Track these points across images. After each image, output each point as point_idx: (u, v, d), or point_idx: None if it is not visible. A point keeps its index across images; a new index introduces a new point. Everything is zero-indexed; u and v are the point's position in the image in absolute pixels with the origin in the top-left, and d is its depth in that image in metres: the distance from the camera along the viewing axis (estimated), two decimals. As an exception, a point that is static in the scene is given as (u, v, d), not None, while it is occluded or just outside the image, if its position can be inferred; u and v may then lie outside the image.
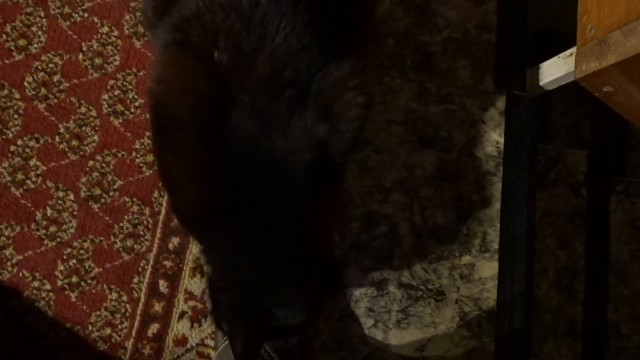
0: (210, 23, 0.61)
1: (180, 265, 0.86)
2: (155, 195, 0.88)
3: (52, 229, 0.86)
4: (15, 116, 0.86)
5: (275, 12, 0.60)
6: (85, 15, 0.89)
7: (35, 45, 0.88)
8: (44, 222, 0.86)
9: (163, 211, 0.87)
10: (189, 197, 0.66)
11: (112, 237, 0.86)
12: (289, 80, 0.61)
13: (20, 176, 0.85)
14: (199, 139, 0.63)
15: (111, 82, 0.89)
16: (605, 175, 1.17)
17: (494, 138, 1.03)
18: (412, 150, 1.01)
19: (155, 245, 0.86)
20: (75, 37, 0.90)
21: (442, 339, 0.94)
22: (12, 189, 0.85)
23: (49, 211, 0.86)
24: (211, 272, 0.70)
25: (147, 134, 0.89)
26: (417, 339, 0.93)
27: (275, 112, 0.62)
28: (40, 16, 0.88)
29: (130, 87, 0.89)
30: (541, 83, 1.03)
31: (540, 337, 1.02)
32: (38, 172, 0.86)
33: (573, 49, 0.92)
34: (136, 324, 0.84)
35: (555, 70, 1.00)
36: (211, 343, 0.86)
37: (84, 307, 0.84)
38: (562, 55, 0.97)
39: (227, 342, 0.80)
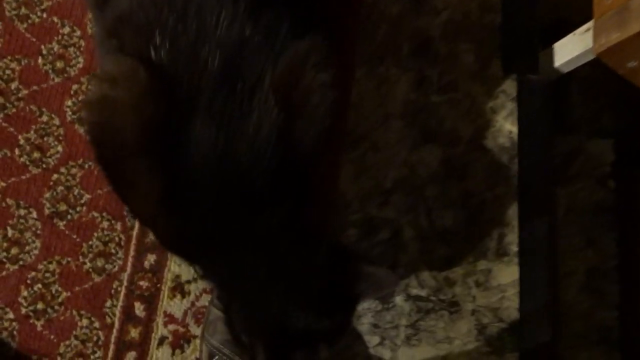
0: (143, 20, 0.59)
1: (158, 285, 0.84)
2: (127, 209, 0.84)
3: (14, 251, 0.85)
4: (-29, 129, 0.84)
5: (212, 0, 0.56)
6: (44, 15, 0.88)
7: (-9, 51, 0.86)
8: (5, 244, 0.85)
9: (136, 226, 0.85)
10: (166, 228, 0.63)
11: (80, 257, 0.84)
12: (237, 73, 0.59)
13: (-23, 194, 0.83)
14: (155, 164, 0.60)
15: (75, 86, 0.89)
16: (636, 164, 1.11)
17: (506, 127, 0.99)
18: (413, 146, 0.97)
19: (129, 264, 0.84)
20: (34, 39, 0.90)
21: (458, 356, 0.90)
22: (-30, 209, 0.83)
23: (9, 231, 0.85)
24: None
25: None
26: (429, 357, 0.91)
27: (233, 112, 0.58)
28: (-5, 19, 0.86)
29: None
30: (556, 65, 0.98)
31: (571, 347, 0.97)
32: None
33: (589, 24, 0.89)
34: (110, 353, 0.83)
35: (570, 49, 0.96)
36: (195, 371, 0.81)
37: (52, 337, 0.81)
38: (577, 32, 0.94)
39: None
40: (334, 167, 0.91)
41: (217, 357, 0.77)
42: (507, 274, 0.94)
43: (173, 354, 0.83)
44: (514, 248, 0.95)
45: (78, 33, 0.89)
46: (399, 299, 0.91)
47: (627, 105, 1.10)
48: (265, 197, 0.62)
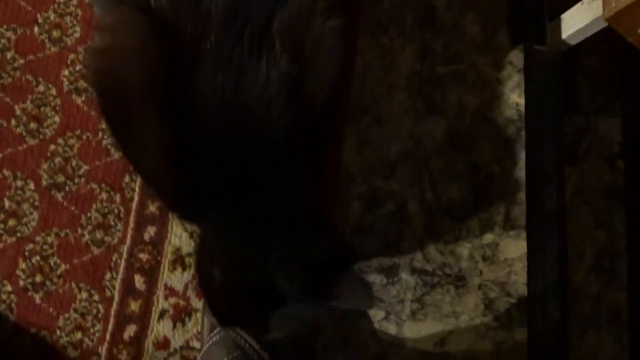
0: None
1: (158, 258, 0.83)
2: (127, 180, 0.85)
3: (11, 222, 0.84)
4: (-34, 99, 0.84)
5: None
6: (40, -16, 0.86)
7: (-14, 21, 0.85)
8: (2, 216, 0.84)
9: (136, 198, 0.84)
10: (170, 183, 0.62)
11: (79, 229, 0.84)
12: (244, 17, 0.58)
13: (-27, 165, 0.82)
14: (162, 114, 0.58)
15: (72, 56, 0.89)
16: None
17: (513, 99, 0.99)
18: (418, 118, 0.96)
19: (129, 236, 0.84)
20: (29, 8, 0.89)
21: (465, 330, 0.89)
22: (-34, 181, 0.83)
23: (6, 203, 0.85)
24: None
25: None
26: (436, 332, 0.89)
27: (240, 60, 0.57)
28: (-11, -12, 0.85)
29: None
30: (564, 36, 0.97)
31: (580, 328, 0.96)
32: None
33: (598, -9, 0.86)
34: (110, 326, 0.82)
35: (579, 19, 0.95)
36: (197, 345, 0.82)
37: (51, 310, 0.81)
38: (585, 0, 0.91)
39: (210, 342, 0.75)
40: (340, 132, 0.89)
41: (218, 329, 0.76)
42: (515, 248, 0.93)
43: (174, 327, 0.83)
44: (522, 222, 0.94)
45: (75, 1, 0.88)
46: (404, 274, 0.91)
47: (635, 82, 1.09)
48: (276, 151, 0.60)
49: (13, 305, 0.81)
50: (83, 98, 0.86)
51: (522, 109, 0.98)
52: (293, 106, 0.58)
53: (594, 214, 1.01)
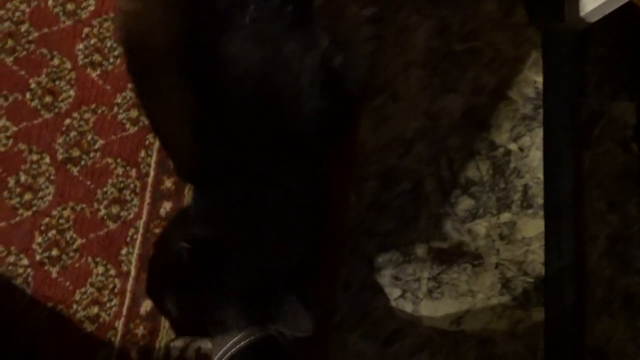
0: None
1: (174, 233, 0.82)
2: (142, 155, 0.85)
3: (27, 196, 0.85)
4: (-19, 72, 0.84)
5: None
6: (54, -44, 0.86)
7: (-1, -7, 0.86)
8: (18, 190, 0.85)
9: (152, 173, 0.85)
10: (183, 148, 0.62)
11: (95, 204, 0.84)
12: None
13: (-12, 139, 0.83)
14: (188, 78, 0.58)
15: (86, 29, 0.89)
16: None
17: (531, 77, 0.99)
18: (435, 96, 0.96)
19: (145, 211, 0.84)
20: None
21: (481, 309, 0.90)
22: (-20, 155, 0.84)
23: (22, 177, 0.85)
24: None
25: (130, 86, 0.86)
26: (452, 311, 0.90)
27: (277, 33, 0.56)
28: (3, -40, 0.86)
29: (108, 34, 0.89)
30: (582, 14, 0.96)
31: (593, 312, 0.97)
32: (8, 133, 0.86)
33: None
34: (127, 301, 0.82)
35: (597, -4, 0.93)
36: (213, 321, 0.81)
37: (67, 284, 0.81)
38: (605, -23, 0.91)
39: None
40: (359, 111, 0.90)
41: None
42: (532, 227, 0.93)
43: (190, 303, 0.83)
44: (539, 200, 0.94)
45: (89, -25, 0.89)
46: (420, 251, 0.91)
47: None
48: (303, 133, 0.60)
49: (29, 279, 0.82)
50: (98, 72, 0.87)
51: (540, 86, 0.98)
52: (328, 91, 0.58)
53: (607, 198, 1.01)
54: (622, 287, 1.00)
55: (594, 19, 0.97)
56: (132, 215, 0.84)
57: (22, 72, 0.86)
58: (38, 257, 0.82)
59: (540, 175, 0.96)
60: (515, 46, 1.00)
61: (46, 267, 0.82)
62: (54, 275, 0.82)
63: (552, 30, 1.00)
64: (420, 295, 0.90)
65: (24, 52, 0.86)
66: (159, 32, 0.58)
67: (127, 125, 0.86)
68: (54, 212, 0.84)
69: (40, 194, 0.84)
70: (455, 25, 0.99)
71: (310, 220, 0.68)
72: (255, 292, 0.66)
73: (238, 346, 0.74)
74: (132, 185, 0.85)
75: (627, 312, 0.99)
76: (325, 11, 0.59)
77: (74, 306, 0.81)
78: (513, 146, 0.97)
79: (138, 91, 0.62)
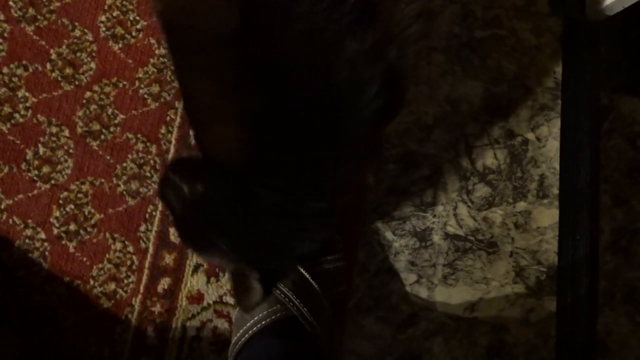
0: None
1: (193, 211, 0.81)
2: (163, 131, 0.83)
3: (46, 169, 0.83)
4: (0, 40, 0.81)
5: None
6: None
7: (20, -40, 0.83)
8: (36, 162, 0.83)
9: (172, 149, 0.83)
10: (230, 135, 0.59)
11: (114, 179, 0.82)
12: None
13: (7, 109, 0.82)
14: (235, 67, 0.56)
15: (109, 1, 0.87)
16: None
17: (551, 67, 0.98)
18: (455, 82, 0.96)
19: (164, 188, 0.81)
20: None
21: (495, 296, 0.90)
22: (-2, 125, 0.82)
23: (41, 149, 0.84)
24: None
25: (152, 60, 0.85)
26: (466, 297, 0.91)
27: (337, 33, 0.54)
28: None
29: (131, 6, 0.86)
30: (603, 6, 0.95)
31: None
32: (27, 104, 0.84)
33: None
34: (144, 278, 0.81)
35: (619, -12, 0.93)
36: (231, 300, 0.82)
37: (84, 259, 0.80)
38: (627, -30, 0.91)
39: None
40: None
41: None
42: (547, 217, 0.94)
43: (208, 282, 0.83)
44: (555, 191, 0.94)
45: (112, -55, 0.86)
46: (437, 238, 0.91)
47: None
48: (354, 137, 0.59)
49: (47, 253, 0.81)
50: (120, 45, 0.85)
51: (559, 77, 0.98)
52: (384, 93, 0.56)
53: (614, 192, 1.01)
54: (624, 281, 1.00)
55: (614, 11, 0.97)
56: (151, 192, 0.83)
57: (43, 42, 0.84)
58: (55, 232, 0.81)
59: (557, 165, 0.96)
60: (536, 35, 1.00)
61: (63, 242, 0.81)
62: (71, 250, 0.81)
63: (572, 21, 1.00)
64: (435, 281, 0.91)
65: (45, 22, 0.84)
66: (212, 13, 0.55)
67: (149, 101, 0.85)
68: (73, 186, 0.82)
69: (59, 167, 0.83)
70: (479, 12, 0.98)
71: (334, 204, 0.67)
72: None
73: (259, 325, 0.73)
74: (152, 162, 0.84)
75: (628, 305, 1.00)
76: (379, 6, 0.57)
77: (91, 282, 0.81)
78: (531, 135, 0.97)
79: (176, 65, 0.59)
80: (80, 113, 0.84)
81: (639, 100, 1.06)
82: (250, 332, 0.73)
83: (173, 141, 0.84)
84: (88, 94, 0.84)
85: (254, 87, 0.55)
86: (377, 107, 0.57)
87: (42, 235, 0.81)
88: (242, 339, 0.72)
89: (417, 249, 0.91)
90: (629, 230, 1.02)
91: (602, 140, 1.04)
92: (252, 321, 0.73)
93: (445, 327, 0.90)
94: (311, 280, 0.76)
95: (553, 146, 0.96)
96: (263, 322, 0.72)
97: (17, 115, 0.83)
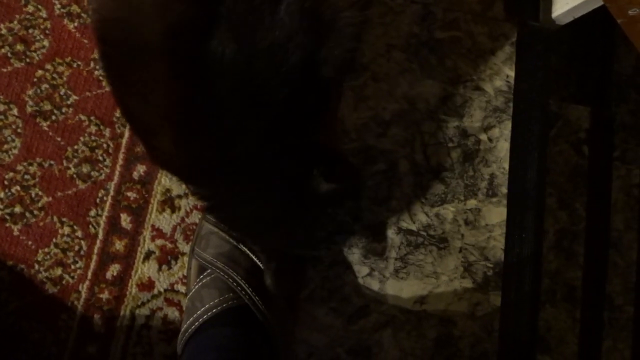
0: None
1: (147, 197, 0.80)
2: (117, 115, 0.81)
3: (-9, 148, 0.77)
4: (-55, 11, 0.77)
5: None
6: None
7: None
8: (-19, 140, 0.77)
9: (126, 133, 0.81)
10: (172, 142, 0.59)
11: (64, 162, 0.79)
12: None
13: (-49, 83, 0.76)
14: (177, 72, 0.55)
15: (65, -23, 0.81)
16: (609, 134, 1.15)
17: (504, 71, 1.00)
18: (414, 80, 0.96)
19: (117, 173, 0.80)
20: None
21: (444, 290, 0.91)
22: (-60, 100, 0.76)
23: (-14, 127, 0.77)
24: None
25: (108, 41, 0.81)
26: (417, 291, 0.91)
27: (255, 23, 0.54)
28: None
29: None
30: (554, 15, 0.98)
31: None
32: None
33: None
34: (92, 264, 0.78)
35: (569, -3, 0.96)
36: (182, 289, 0.80)
37: (29, 243, 0.76)
38: (577, -20, 0.93)
39: (199, 284, 0.73)
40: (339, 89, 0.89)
41: (209, 271, 0.74)
42: (495, 215, 0.95)
43: (159, 269, 0.80)
44: (504, 190, 0.96)
45: None
46: (390, 232, 0.91)
47: (607, 73, 1.13)
48: (285, 123, 0.59)
49: (-11, 236, 0.76)
50: (76, 24, 0.81)
51: (512, 81, 1.00)
52: (304, 78, 0.56)
53: (558, 195, 1.05)
54: (565, 280, 1.04)
55: (564, 21, 1.00)
56: (103, 176, 0.80)
57: (-8, 16, 0.80)
58: None
59: (506, 165, 0.98)
60: (492, 39, 1.01)
61: (7, 224, 0.77)
62: (16, 232, 0.77)
63: (526, 28, 1.02)
64: (387, 274, 0.91)
65: (-5, -5, 0.80)
66: (151, 21, 0.54)
67: (104, 83, 0.81)
68: (19, 167, 0.78)
69: (6, 147, 0.78)
70: (439, 13, 0.99)
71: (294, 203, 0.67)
72: None
73: (209, 313, 0.72)
74: (104, 145, 0.80)
75: (567, 303, 1.04)
76: None
77: (36, 266, 0.77)
78: (483, 136, 0.98)
79: (112, 81, 0.57)
80: (30, 92, 0.79)
81: (584, 109, 1.10)
82: (200, 319, 0.71)
83: (128, 125, 0.82)
84: (40, 72, 0.80)
85: (187, 94, 0.55)
86: (304, 92, 0.57)
87: (-15, 217, 0.77)
88: (192, 327, 0.70)
89: (371, 242, 0.91)
90: (571, 232, 1.06)
91: (549, 145, 1.07)
92: (202, 309, 0.72)
93: (395, 319, 0.90)
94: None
95: (503, 147, 0.98)
96: (214, 310, 0.71)
97: (-39, 91, 0.78)
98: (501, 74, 1.00)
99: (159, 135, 0.59)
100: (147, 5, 0.53)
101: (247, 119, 0.58)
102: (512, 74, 1.00)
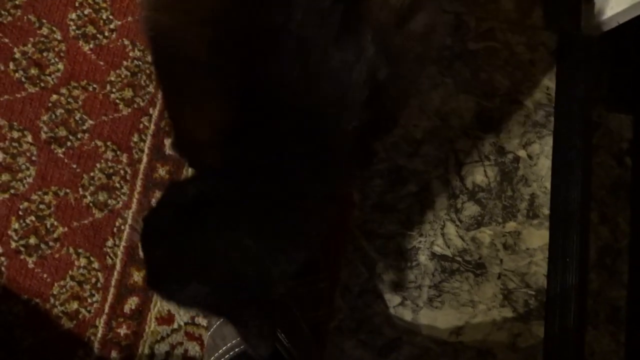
0: None
1: (166, 226, 0.74)
2: (135, 140, 0.76)
3: (5, 177, 0.76)
4: (-42, 36, 0.74)
5: None
6: None
7: (-16, -50, 0.76)
8: (-5, 169, 0.74)
9: (145, 159, 0.76)
10: (215, 158, 0.55)
11: (80, 190, 0.75)
12: None
13: (-36, 111, 0.73)
14: (229, 89, 0.52)
15: (80, -3, 0.77)
16: None
17: (544, 83, 0.94)
18: (447, 95, 0.90)
19: (135, 200, 0.76)
20: None
21: (482, 320, 0.85)
22: (-46, 128, 0.74)
23: (0, 156, 0.76)
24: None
25: (125, 63, 0.78)
26: (452, 321, 0.86)
27: (323, 46, 0.49)
28: None
29: (104, 4, 0.79)
30: (598, 20, 0.91)
31: None
32: None
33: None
34: (110, 297, 0.74)
35: (615, 3, 0.89)
36: (203, 322, 0.76)
37: (45, 276, 0.73)
38: (623, -16, 0.86)
39: (221, 320, 0.69)
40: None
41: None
42: (537, 238, 0.89)
43: (179, 301, 0.76)
44: (545, 211, 0.90)
45: (86, -63, 0.79)
46: (423, 258, 0.85)
47: None
48: (327, 168, 0.54)
49: (3, 268, 0.72)
50: (91, 45, 0.77)
51: (553, 93, 0.93)
52: (370, 106, 0.51)
53: (600, 209, 0.98)
54: (608, 300, 0.97)
55: (609, 26, 0.93)
56: (120, 204, 0.76)
57: (6, 40, 0.76)
58: (14, 245, 0.73)
59: (548, 185, 0.91)
60: (531, 49, 0.95)
61: (22, 256, 0.73)
62: (31, 265, 0.73)
63: (567, 36, 0.95)
64: (420, 303, 0.85)
65: (9, 18, 0.76)
66: (195, 41, 0.50)
67: (120, 106, 0.77)
68: (34, 197, 0.74)
69: (20, 175, 0.74)
70: (472, 23, 0.93)
71: (318, 221, 0.62)
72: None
73: (231, 353, 0.68)
74: (122, 172, 0.76)
75: (611, 325, 0.97)
76: (376, 19, 0.52)
77: (52, 300, 0.72)
78: (522, 153, 0.92)
79: (162, 86, 0.55)
80: (45, 117, 0.75)
81: (626, 117, 1.03)
82: (222, 359, 0.67)
83: (146, 150, 0.77)
84: (54, 97, 0.76)
85: (238, 109, 0.50)
86: (361, 122, 0.52)
87: (-1, 249, 0.74)
88: None
89: (403, 270, 0.85)
90: (614, 249, 0.99)
91: (589, 156, 1.00)
92: (224, 347, 0.68)
93: (429, 352, 0.84)
94: (289, 303, 0.70)
95: (545, 165, 0.91)
96: (236, 350, 0.67)
97: (-25, 118, 0.75)
98: (541, 86, 0.93)
99: (203, 148, 0.55)
100: (195, 20, 0.50)
101: (303, 143, 0.53)
102: (552, 85, 0.93)
